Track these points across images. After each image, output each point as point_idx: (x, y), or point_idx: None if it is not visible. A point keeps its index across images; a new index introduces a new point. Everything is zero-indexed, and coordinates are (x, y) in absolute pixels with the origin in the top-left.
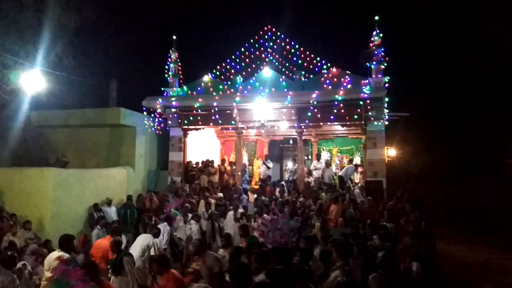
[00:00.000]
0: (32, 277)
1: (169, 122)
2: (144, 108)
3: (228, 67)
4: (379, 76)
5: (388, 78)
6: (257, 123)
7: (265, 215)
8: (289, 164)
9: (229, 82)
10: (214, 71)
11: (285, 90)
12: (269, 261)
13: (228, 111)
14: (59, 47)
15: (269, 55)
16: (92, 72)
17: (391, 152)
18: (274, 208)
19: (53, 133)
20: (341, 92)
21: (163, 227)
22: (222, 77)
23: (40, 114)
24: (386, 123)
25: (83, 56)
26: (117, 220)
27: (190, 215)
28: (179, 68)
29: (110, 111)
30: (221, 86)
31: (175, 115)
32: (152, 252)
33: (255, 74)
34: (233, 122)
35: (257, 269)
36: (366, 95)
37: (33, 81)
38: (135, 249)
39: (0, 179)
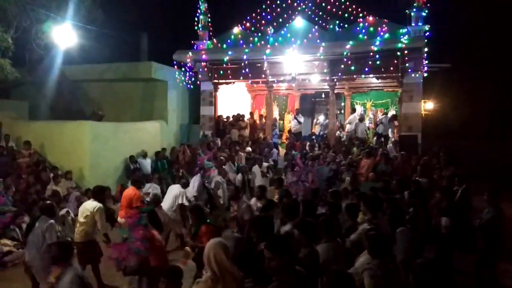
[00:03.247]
0: (76, 223)
1: (200, 76)
2: (175, 62)
3: (258, 18)
4: (419, 24)
5: (429, 26)
6: (288, 77)
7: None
8: (321, 118)
9: (259, 34)
10: (244, 22)
11: (318, 41)
12: (297, 213)
13: (259, 65)
14: (89, 0)
15: (301, 4)
16: (123, 26)
17: (428, 105)
18: (297, 161)
19: (89, 87)
20: (377, 42)
21: (195, 177)
22: (253, 28)
23: (74, 68)
24: (425, 74)
25: (114, 10)
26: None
27: (225, 167)
28: (209, 20)
29: (142, 65)
30: (251, 38)
31: (205, 69)
32: (180, 201)
33: (287, 25)
34: (263, 76)
35: (284, 220)
36: (404, 45)
37: (65, 35)
38: (166, 201)
39: (41, 132)
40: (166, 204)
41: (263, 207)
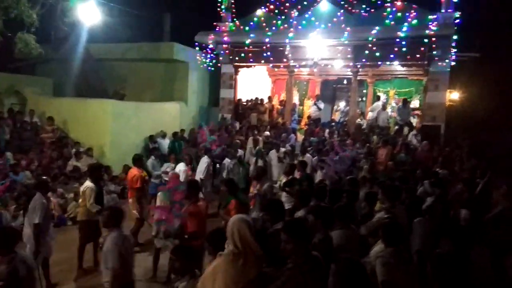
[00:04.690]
0: None
1: (221, 58)
2: (196, 44)
3: (283, 0)
4: (449, 10)
5: (459, 13)
6: (310, 61)
7: (307, 154)
8: (341, 105)
9: (283, 17)
10: (268, 4)
11: (343, 25)
12: (310, 199)
13: (281, 48)
14: None
15: None
16: (146, 5)
17: (454, 96)
18: (336, 148)
19: (111, 66)
20: (404, 28)
21: (202, 159)
22: (277, 11)
23: (99, 47)
24: (452, 63)
25: None
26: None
27: (240, 151)
28: (232, 2)
29: (164, 46)
30: (274, 21)
31: (227, 51)
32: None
33: (312, 8)
34: (285, 60)
35: (297, 206)
36: (432, 32)
37: (90, 13)
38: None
39: (64, 109)
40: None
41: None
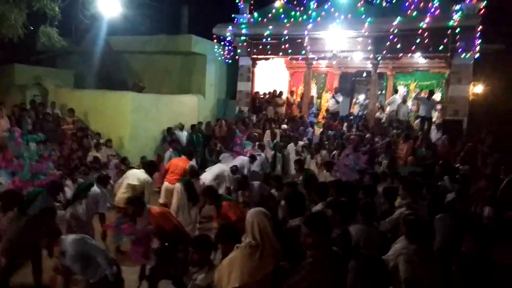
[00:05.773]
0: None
1: (239, 50)
2: (214, 36)
3: None
4: (473, 1)
5: (485, 3)
6: (329, 54)
7: (323, 151)
8: (360, 98)
9: (302, 8)
10: None
11: (363, 16)
12: (328, 193)
13: (299, 40)
14: None
15: None
16: None
17: (477, 89)
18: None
19: (131, 58)
20: (427, 19)
21: (241, 161)
22: (295, 2)
23: (118, 39)
24: (476, 55)
25: None
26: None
27: (257, 143)
28: None
29: (182, 39)
30: (293, 13)
31: (245, 44)
32: (227, 183)
33: None
34: (303, 52)
35: (315, 200)
36: (456, 23)
37: (109, 5)
38: (209, 174)
39: (85, 101)
40: (209, 175)
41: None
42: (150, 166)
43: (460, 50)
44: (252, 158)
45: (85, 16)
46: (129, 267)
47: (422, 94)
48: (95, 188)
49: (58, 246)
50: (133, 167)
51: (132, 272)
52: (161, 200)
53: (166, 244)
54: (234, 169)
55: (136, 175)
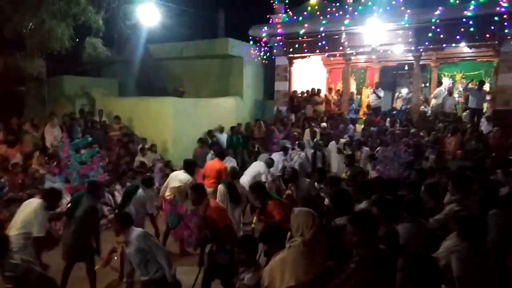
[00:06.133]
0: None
1: (275, 50)
2: (250, 38)
3: None
4: None
5: None
6: (368, 48)
7: (364, 147)
8: (403, 91)
9: (338, 4)
10: None
11: (403, 8)
12: (373, 191)
13: (336, 36)
14: None
15: None
16: (199, 3)
17: None
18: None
19: (170, 64)
20: (471, 7)
21: (278, 156)
22: None
23: (157, 47)
24: None
25: None
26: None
27: (296, 143)
28: None
29: (218, 42)
30: (329, 9)
31: (281, 43)
32: (263, 179)
33: None
34: (341, 48)
35: (359, 198)
36: (503, 9)
37: (149, 14)
38: (247, 175)
39: (129, 108)
40: (246, 177)
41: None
42: (190, 166)
43: (509, 37)
44: (285, 150)
45: (126, 26)
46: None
47: (470, 85)
48: (141, 191)
49: (125, 234)
50: (176, 170)
51: (183, 272)
52: None
53: (215, 245)
54: (269, 162)
55: (177, 177)
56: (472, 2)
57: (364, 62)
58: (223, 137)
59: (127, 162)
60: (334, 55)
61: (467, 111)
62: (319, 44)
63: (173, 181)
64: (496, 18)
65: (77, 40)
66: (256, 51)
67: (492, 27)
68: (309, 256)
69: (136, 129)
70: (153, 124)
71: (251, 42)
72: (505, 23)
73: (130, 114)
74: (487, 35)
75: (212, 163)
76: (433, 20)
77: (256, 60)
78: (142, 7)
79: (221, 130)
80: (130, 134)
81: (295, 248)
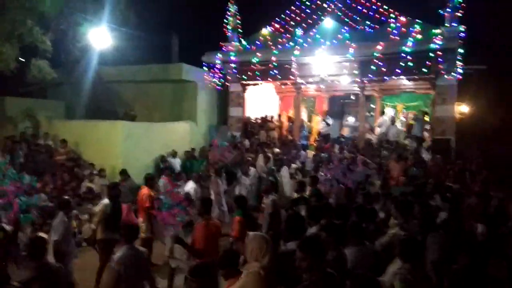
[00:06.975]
0: None
1: (228, 77)
2: (204, 64)
3: (287, 19)
4: (453, 25)
5: (464, 27)
6: (317, 78)
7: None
8: (350, 119)
9: (288, 35)
10: (273, 23)
11: (348, 42)
12: (322, 215)
13: (287, 66)
14: (123, 3)
15: (331, 5)
16: (153, 28)
17: (463, 108)
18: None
19: (122, 88)
20: (409, 43)
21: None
22: (282, 30)
23: (109, 69)
24: (459, 77)
25: (145, 12)
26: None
27: (252, 168)
28: (238, 21)
29: (172, 67)
30: (280, 40)
31: (234, 70)
32: None
33: (316, 26)
34: (291, 77)
35: (310, 222)
36: (437, 46)
37: (100, 37)
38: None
39: (76, 131)
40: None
41: (292, 201)
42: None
43: (443, 71)
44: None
45: (76, 47)
46: None
47: (410, 115)
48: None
49: None
50: None
51: None
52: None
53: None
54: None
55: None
56: (410, 38)
57: (314, 91)
58: (176, 162)
59: (73, 187)
60: (285, 84)
61: (409, 139)
62: (271, 72)
63: None
64: (431, 54)
65: (24, 60)
66: (209, 76)
67: (428, 62)
68: (268, 283)
69: (84, 153)
70: (101, 148)
71: (205, 68)
72: (440, 59)
73: (77, 138)
74: (424, 70)
75: (141, 191)
76: (375, 54)
77: (210, 85)
78: (94, 30)
79: (173, 154)
80: (77, 158)
81: (254, 275)
